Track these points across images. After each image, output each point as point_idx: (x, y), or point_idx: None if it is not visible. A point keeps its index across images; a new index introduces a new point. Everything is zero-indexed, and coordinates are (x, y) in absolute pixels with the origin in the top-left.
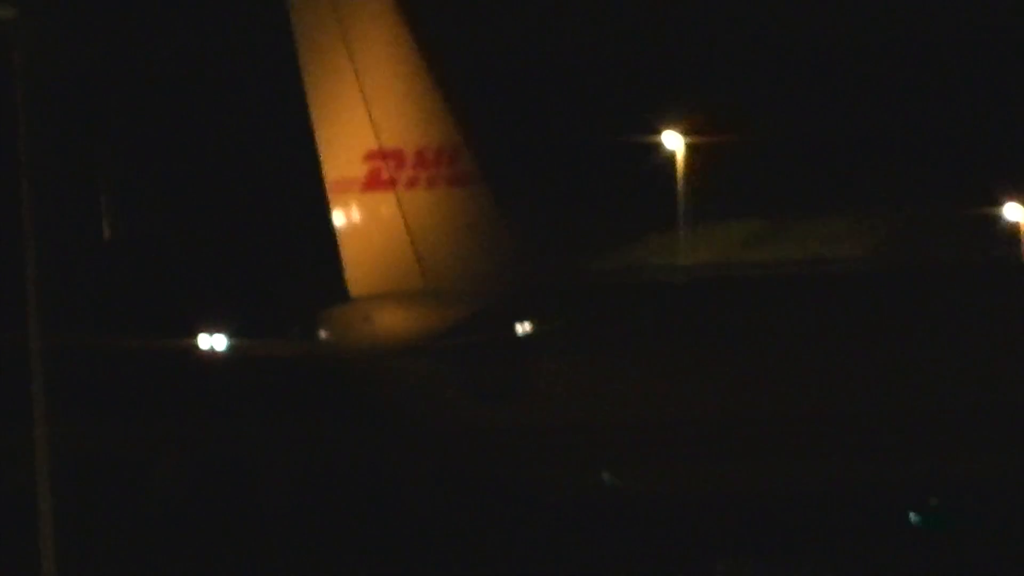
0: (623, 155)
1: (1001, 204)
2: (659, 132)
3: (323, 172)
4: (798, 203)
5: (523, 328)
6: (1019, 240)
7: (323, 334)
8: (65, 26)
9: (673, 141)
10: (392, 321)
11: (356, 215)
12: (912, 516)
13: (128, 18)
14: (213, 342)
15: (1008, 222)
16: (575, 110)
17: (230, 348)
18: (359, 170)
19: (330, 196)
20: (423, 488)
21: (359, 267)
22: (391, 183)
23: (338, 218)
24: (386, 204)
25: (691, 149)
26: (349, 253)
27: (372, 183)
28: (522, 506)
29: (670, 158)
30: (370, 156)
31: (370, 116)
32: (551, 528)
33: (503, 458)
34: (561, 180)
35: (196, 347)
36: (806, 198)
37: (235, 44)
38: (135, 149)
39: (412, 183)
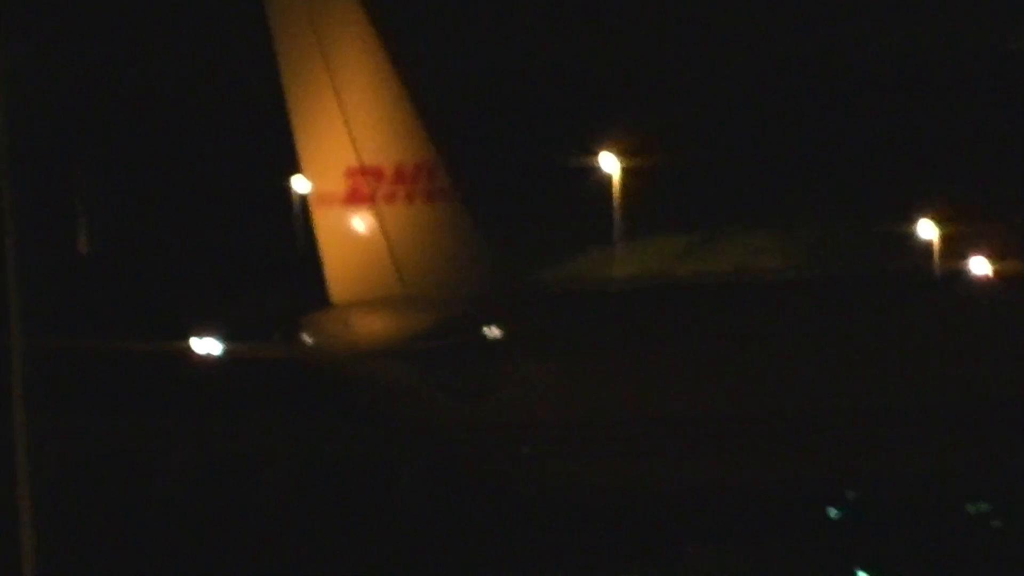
0: (566, 175)
1: (915, 221)
2: (597, 154)
3: (306, 186)
4: (726, 219)
5: (492, 331)
6: (931, 253)
7: (305, 338)
8: (44, 49)
9: (610, 162)
10: (370, 325)
11: (337, 227)
12: (831, 510)
13: (111, 41)
14: (200, 345)
15: (921, 237)
16: (521, 134)
17: (215, 351)
18: (340, 185)
19: (312, 209)
20: (406, 482)
21: (340, 275)
22: (371, 197)
23: (320, 230)
24: (366, 217)
25: (627, 170)
26: (331, 262)
27: (353, 198)
28: (496, 497)
29: (608, 178)
30: (351, 172)
31: (350, 135)
32: (525, 518)
33: (475, 452)
34: (510, 198)
35: (183, 350)
36: (733, 215)
37: (219, 62)
38: (127, 165)
39: (391, 198)
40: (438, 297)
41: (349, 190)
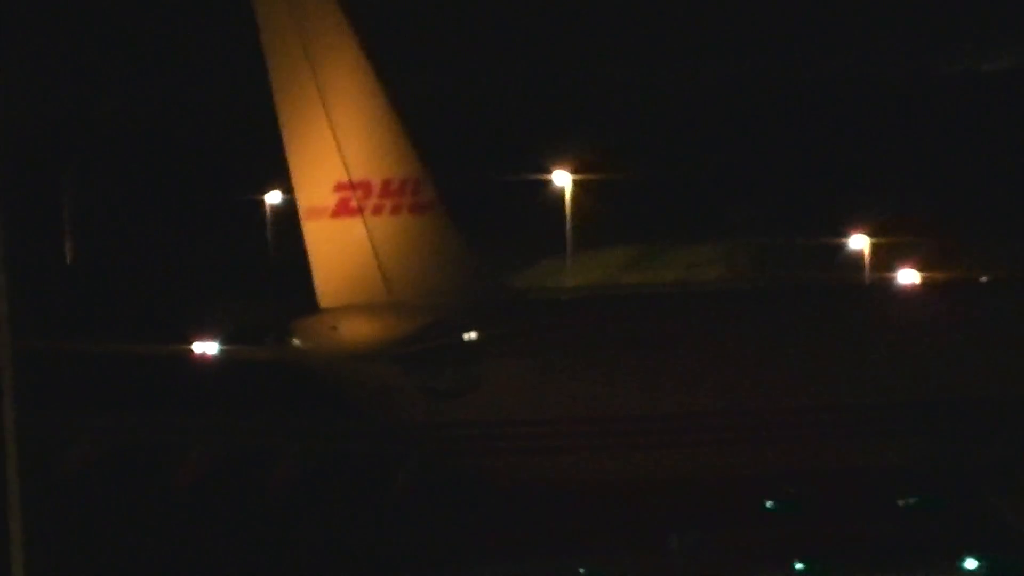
0: (519, 190)
1: (848, 235)
2: (550, 171)
3: (296, 199)
4: (668, 233)
5: (470, 335)
6: (862, 265)
7: (295, 341)
8: (33, 62)
9: (562, 179)
10: (357, 329)
11: (326, 239)
12: (769, 503)
13: (101, 54)
14: (198, 348)
15: (854, 250)
16: (476, 149)
17: (211, 353)
18: (330, 199)
19: (302, 221)
20: (403, 478)
21: (329, 283)
22: (358, 210)
23: (310, 240)
24: (354, 229)
25: (578, 185)
26: (320, 271)
27: (341, 211)
28: (478, 491)
29: (560, 192)
30: (340, 187)
31: (340, 152)
32: (506, 511)
33: (455, 448)
34: (467, 213)
35: (181, 352)
36: (675, 229)
37: (211, 78)
38: (116, 176)
39: (378, 210)
40: (421, 303)
41: (338, 204)
